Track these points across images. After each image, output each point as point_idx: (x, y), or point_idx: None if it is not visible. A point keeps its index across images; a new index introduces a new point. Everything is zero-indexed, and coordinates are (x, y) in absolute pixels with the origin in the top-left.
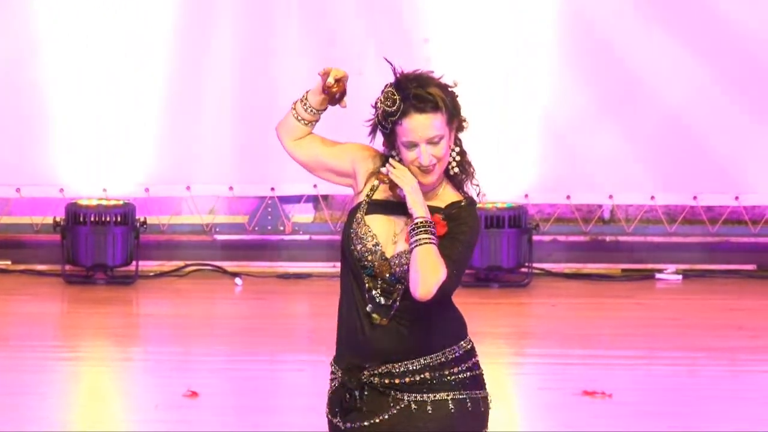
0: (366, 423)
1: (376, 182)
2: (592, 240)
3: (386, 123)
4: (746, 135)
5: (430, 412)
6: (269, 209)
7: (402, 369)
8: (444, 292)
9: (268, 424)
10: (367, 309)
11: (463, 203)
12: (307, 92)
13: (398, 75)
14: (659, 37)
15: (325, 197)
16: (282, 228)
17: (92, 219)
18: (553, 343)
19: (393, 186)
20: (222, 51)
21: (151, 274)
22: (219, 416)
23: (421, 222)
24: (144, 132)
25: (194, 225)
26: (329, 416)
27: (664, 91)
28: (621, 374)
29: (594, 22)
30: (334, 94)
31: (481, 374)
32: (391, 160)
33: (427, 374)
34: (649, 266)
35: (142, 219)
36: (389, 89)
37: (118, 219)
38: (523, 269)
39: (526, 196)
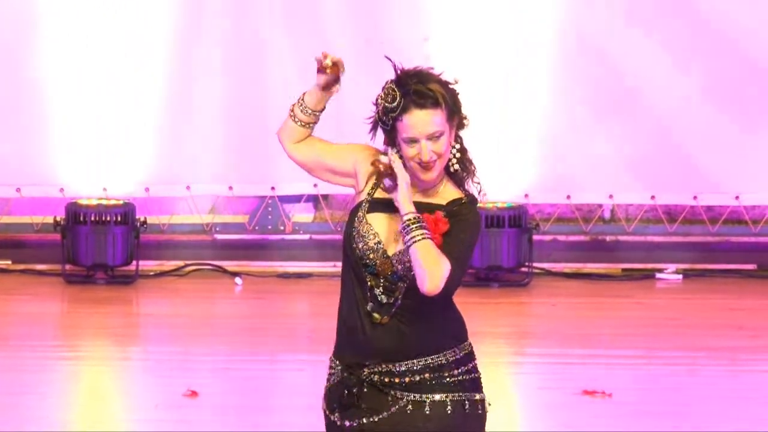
0: (365, 421)
1: (380, 183)
2: (592, 240)
3: (387, 119)
4: (746, 135)
5: (428, 412)
6: (269, 209)
7: (403, 368)
8: (447, 289)
9: (268, 423)
10: (368, 308)
11: (464, 200)
12: (303, 94)
13: (399, 71)
14: (658, 37)
15: (326, 197)
16: (282, 227)
17: (92, 219)
18: (553, 343)
19: (381, 176)
20: (222, 51)
21: (151, 273)
22: (219, 416)
23: (412, 218)
24: (144, 132)
25: (194, 225)
26: (326, 411)
27: (664, 90)
28: (621, 374)
29: (594, 22)
30: (327, 73)
31: (479, 377)
32: (391, 152)
33: (427, 375)
34: (649, 266)
35: (142, 219)
36: (390, 85)
37: (118, 219)
38: (524, 269)
39: (526, 195)
